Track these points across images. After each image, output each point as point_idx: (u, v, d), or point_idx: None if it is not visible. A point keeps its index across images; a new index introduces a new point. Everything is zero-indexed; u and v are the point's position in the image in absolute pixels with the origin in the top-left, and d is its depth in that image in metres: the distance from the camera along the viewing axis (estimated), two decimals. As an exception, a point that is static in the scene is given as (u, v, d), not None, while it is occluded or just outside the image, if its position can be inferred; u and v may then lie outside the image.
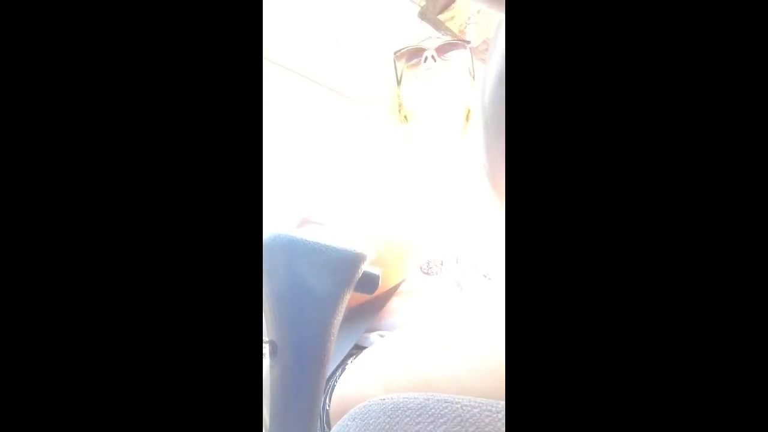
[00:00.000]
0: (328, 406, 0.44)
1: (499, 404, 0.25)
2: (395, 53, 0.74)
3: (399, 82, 0.75)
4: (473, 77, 0.74)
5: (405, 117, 0.76)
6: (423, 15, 0.76)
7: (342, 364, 0.50)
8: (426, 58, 0.70)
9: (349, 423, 0.30)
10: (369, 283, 0.41)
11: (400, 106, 0.76)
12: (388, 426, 0.27)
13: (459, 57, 0.73)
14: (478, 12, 0.75)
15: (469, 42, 0.74)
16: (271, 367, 0.37)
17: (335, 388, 0.45)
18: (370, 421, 0.29)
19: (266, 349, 0.37)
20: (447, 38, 0.74)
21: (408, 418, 0.27)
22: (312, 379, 0.37)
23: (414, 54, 0.72)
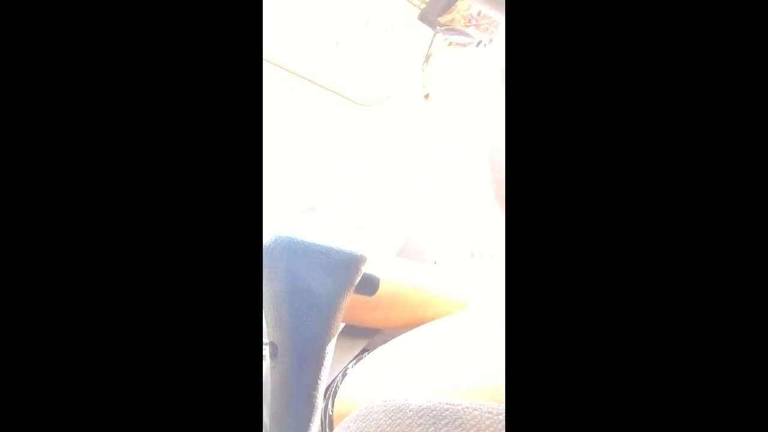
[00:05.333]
0: (332, 411, 0.44)
1: (500, 407, 0.25)
2: (440, 26, 0.71)
3: (427, 60, 0.73)
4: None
5: (427, 95, 0.74)
6: (423, 17, 0.76)
7: (342, 367, 0.50)
8: (479, 43, 0.69)
9: (350, 425, 0.30)
10: (369, 284, 0.41)
11: (424, 84, 0.74)
12: (389, 428, 0.27)
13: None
14: (479, 14, 0.75)
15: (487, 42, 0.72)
16: (271, 368, 0.37)
17: (338, 392, 0.44)
18: (372, 423, 0.29)
19: (266, 351, 0.37)
20: (486, 36, 0.73)
21: (409, 420, 0.27)
22: (312, 380, 0.37)
23: (460, 33, 0.70)
